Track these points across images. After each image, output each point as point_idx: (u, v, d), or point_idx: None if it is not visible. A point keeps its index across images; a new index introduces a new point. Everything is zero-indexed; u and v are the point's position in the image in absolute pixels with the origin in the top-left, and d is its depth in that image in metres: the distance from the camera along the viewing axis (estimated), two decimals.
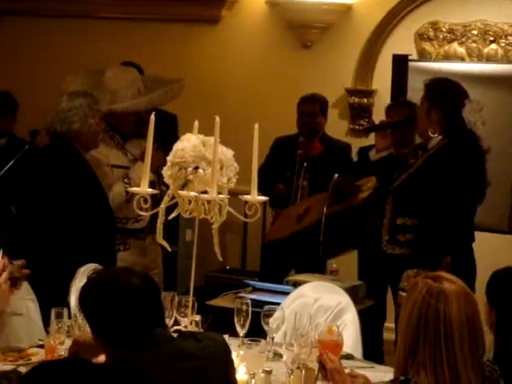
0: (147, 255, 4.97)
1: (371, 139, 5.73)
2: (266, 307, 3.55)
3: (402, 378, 2.41)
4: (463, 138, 4.34)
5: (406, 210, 4.43)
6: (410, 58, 6.05)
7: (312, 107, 5.76)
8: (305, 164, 5.60)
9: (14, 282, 3.40)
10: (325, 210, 4.93)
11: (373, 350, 4.91)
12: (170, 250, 3.52)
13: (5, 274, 3.19)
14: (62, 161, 4.56)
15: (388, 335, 5.35)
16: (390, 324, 5.31)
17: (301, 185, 5.62)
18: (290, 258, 5.48)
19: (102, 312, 2.57)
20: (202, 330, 3.36)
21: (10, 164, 5.51)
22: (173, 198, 3.35)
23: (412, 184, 4.41)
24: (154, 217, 4.70)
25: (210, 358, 2.58)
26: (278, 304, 3.88)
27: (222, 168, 3.30)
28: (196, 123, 3.44)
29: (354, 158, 5.64)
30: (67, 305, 3.65)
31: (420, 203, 4.32)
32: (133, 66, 6.07)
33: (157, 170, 4.07)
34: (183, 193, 3.31)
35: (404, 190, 4.45)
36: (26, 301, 3.90)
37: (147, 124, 4.88)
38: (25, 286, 3.95)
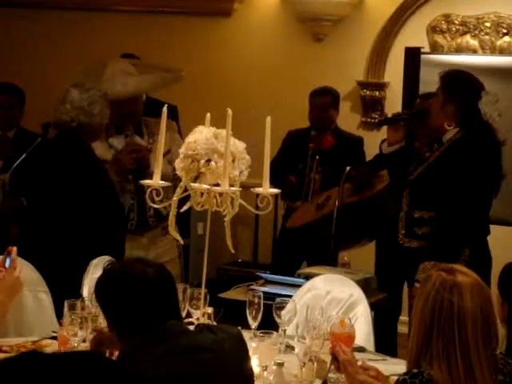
0: (150, 250, 4.92)
1: (383, 132, 5.72)
2: (278, 300, 3.55)
3: (415, 370, 2.41)
4: (479, 130, 4.31)
5: (424, 203, 4.40)
6: (422, 50, 6.04)
7: (324, 100, 5.76)
8: (317, 157, 5.60)
9: None
10: (336, 202, 4.93)
11: (386, 343, 4.92)
12: (182, 242, 3.53)
13: (18, 269, 3.20)
14: (72, 152, 4.57)
15: (402, 328, 5.35)
16: (404, 317, 5.31)
17: (313, 178, 5.61)
18: (302, 250, 5.49)
19: (116, 302, 2.59)
20: (214, 323, 3.37)
21: (22, 157, 5.53)
22: (185, 190, 3.35)
23: (429, 177, 4.39)
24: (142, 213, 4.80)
25: (225, 351, 2.58)
26: (290, 296, 3.88)
27: (234, 160, 3.30)
28: (208, 116, 3.44)
29: (368, 150, 5.64)
30: (80, 297, 3.66)
31: (437, 196, 4.31)
32: (133, 57, 6.10)
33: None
34: (195, 185, 3.31)
35: (421, 184, 4.43)
36: (38, 293, 3.91)
37: (131, 117, 4.94)
38: (37, 278, 3.97)
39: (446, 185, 4.27)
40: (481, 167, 4.25)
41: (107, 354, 2.93)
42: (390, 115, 5.39)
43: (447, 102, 4.34)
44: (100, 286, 2.67)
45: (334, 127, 5.81)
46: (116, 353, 2.85)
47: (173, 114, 5.69)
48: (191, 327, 2.75)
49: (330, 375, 3.10)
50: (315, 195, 5.54)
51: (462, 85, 4.38)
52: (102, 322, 3.32)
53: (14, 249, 3.22)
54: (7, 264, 3.22)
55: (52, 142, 4.81)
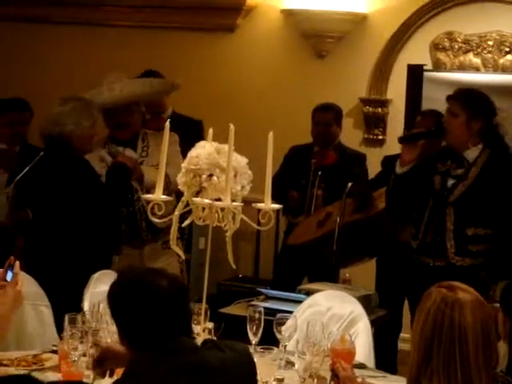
0: (149, 264, 4.90)
1: (385, 150, 5.74)
2: (279, 315, 3.55)
3: None
4: (502, 145, 4.46)
5: (476, 221, 4.45)
6: (424, 68, 6.05)
7: (326, 116, 5.78)
8: (319, 173, 5.61)
9: None
10: (338, 219, 4.93)
11: (387, 360, 4.90)
12: (183, 257, 3.53)
13: (20, 282, 3.20)
14: (58, 162, 4.59)
15: (402, 345, 5.34)
16: (405, 334, 5.30)
17: (315, 194, 5.62)
18: (303, 266, 5.49)
19: (128, 312, 2.55)
20: (215, 338, 3.36)
21: (25, 170, 5.54)
22: (187, 205, 3.36)
23: (476, 195, 4.45)
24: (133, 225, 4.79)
25: (233, 371, 2.54)
26: (291, 312, 3.88)
27: (235, 175, 3.31)
28: (210, 131, 3.45)
29: (370, 166, 5.64)
30: (80, 310, 3.66)
31: (491, 213, 4.41)
32: (153, 74, 6.12)
33: None
34: (197, 200, 3.32)
35: (467, 202, 4.47)
36: (39, 306, 3.92)
37: (125, 128, 4.94)
38: (38, 292, 3.97)
39: (499, 202, 4.40)
40: None
41: (108, 372, 2.92)
42: (409, 133, 5.31)
43: (472, 120, 4.42)
44: (112, 294, 2.63)
45: (337, 143, 5.82)
46: (118, 370, 2.84)
47: (197, 129, 5.72)
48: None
49: None
50: (316, 211, 5.54)
51: (482, 102, 4.51)
52: (103, 336, 3.32)
53: (17, 263, 3.22)
54: (9, 277, 3.21)
55: (43, 154, 4.80)
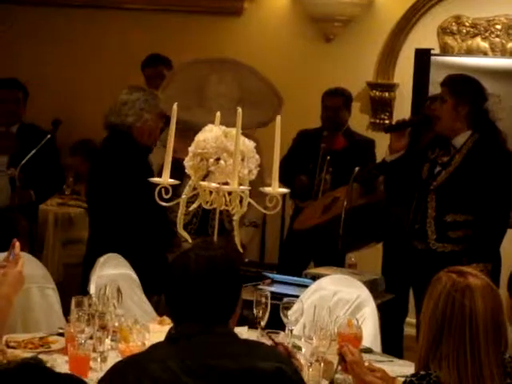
0: None
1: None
2: (285, 299, 3.54)
3: (422, 372, 2.40)
4: (492, 131, 4.44)
5: (456, 207, 4.46)
6: (432, 52, 6.02)
7: (336, 101, 5.77)
8: (328, 157, 5.60)
9: None
10: (345, 203, 4.92)
11: (393, 345, 4.91)
12: (190, 241, 3.52)
13: (21, 263, 3.20)
14: (118, 151, 4.59)
15: (408, 330, 5.34)
16: (411, 319, 5.30)
17: (323, 178, 5.61)
18: (309, 250, 5.49)
19: (172, 283, 2.51)
20: None
21: (31, 153, 5.54)
22: (194, 188, 3.35)
23: (457, 182, 4.45)
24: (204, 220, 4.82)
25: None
26: (297, 297, 3.88)
27: (243, 159, 3.29)
28: (218, 114, 3.44)
29: (377, 151, 5.62)
30: (87, 293, 3.66)
31: (472, 199, 4.40)
32: (160, 57, 6.12)
33: None
34: (204, 184, 3.31)
35: (450, 188, 4.47)
36: (45, 289, 3.92)
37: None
38: (44, 274, 3.98)
39: (479, 188, 4.38)
40: (507, 168, 4.42)
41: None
42: (394, 122, 5.37)
43: (459, 105, 4.40)
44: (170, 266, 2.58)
45: (346, 128, 5.81)
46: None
47: None
48: None
49: (337, 376, 3.09)
50: (322, 196, 5.54)
51: (470, 87, 4.49)
52: (109, 320, 3.33)
53: (17, 243, 3.22)
54: (11, 258, 3.21)
55: (102, 142, 4.87)
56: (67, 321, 3.38)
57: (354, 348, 3.02)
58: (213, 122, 3.38)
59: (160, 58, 6.14)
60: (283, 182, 3.47)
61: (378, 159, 5.64)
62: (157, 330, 3.53)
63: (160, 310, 3.98)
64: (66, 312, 3.48)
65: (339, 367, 3.00)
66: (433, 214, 4.52)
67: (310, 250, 5.49)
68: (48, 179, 5.71)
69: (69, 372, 2.88)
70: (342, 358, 2.96)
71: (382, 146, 5.69)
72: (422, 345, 2.44)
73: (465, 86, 4.49)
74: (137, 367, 2.37)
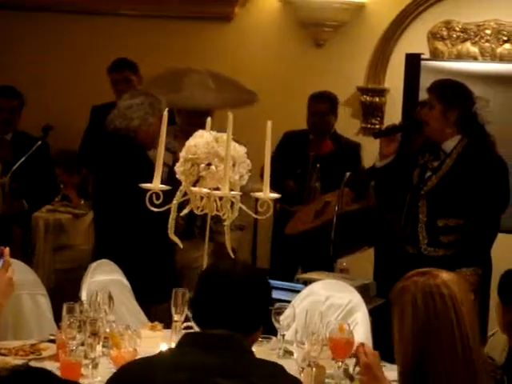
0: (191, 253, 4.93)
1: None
2: (277, 305, 3.54)
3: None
4: (481, 134, 4.45)
5: (447, 212, 4.46)
6: (422, 57, 6.04)
7: (322, 106, 5.77)
8: (318, 165, 5.61)
9: None
10: (336, 208, 4.92)
11: (385, 349, 4.90)
12: (181, 246, 3.52)
13: (11, 269, 3.18)
14: (123, 155, 4.59)
15: None
16: None
17: (313, 186, 5.62)
18: (300, 256, 5.48)
19: (197, 289, 2.54)
20: None
21: (21, 160, 5.53)
22: (185, 194, 3.35)
23: (448, 187, 4.46)
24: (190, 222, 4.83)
25: None
26: (289, 302, 3.88)
27: (234, 165, 3.30)
28: (209, 120, 3.45)
29: (368, 156, 5.63)
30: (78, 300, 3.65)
31: (463, 204, 4.41)
32: (127, 62, 6.13)
33: None
34: (195, 189, 3.31)
35: (440, 193, 4.48)
36: (36, 295, 3.91)
37: (197, 127, 5.02)
38: (35, 280, 3.97)
39: (469, 192, 4.38)
40: (497, 171, 4.43)
41: None
42: (384, 127, 5.38)
43: (448, 110, 4.41)
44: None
45: (333, 132, 5.82)
46: None
47: None
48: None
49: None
50: (313, 201, 5.54)
51: (458, 92, 4.50)
52: (101, 326, 3.32)
53: (7, 249, 3.20)
54: (0, 264, 3.20)
55: (104, 147, 4.92)
56: (59, 327, 3.37)
57: (372, 350, 2.98)
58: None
59: (126, 63, 6.13)
60: (271, 186, 3.46)
61: (366, 162, 5.65)
62: (148, 336, 3.53)
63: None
64: (58, 318, 3.47)
65: (356, 368, 2.97)
66: (424, 218, 4.52)
67: (300, 255, 5.49)
68: (41, 187, 5.69)
69: None
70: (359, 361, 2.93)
71: (373, 151, 5.71)
72: (405, 358, 2.35)
73: (453, 91, 4.50)
74: (145, 375, 2.35)
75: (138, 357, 2.98)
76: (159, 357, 2.46)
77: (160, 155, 3.36)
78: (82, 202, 6.54)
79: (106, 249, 4.65)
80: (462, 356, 2.29)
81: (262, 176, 3.41)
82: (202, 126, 4.80)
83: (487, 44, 6.23)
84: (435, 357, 2.31)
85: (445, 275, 2.39)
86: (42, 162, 5.70)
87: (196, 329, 2.57)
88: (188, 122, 5.10)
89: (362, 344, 3.01)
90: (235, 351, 2.41)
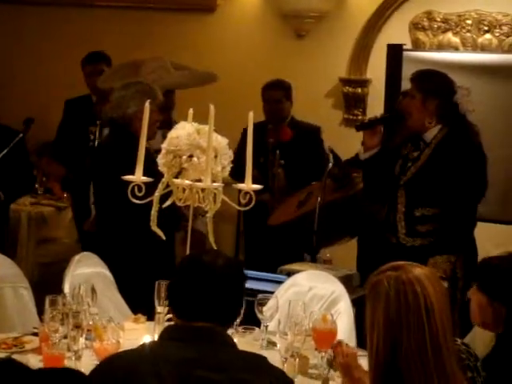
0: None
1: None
2: (260, 296, 3.55)
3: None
4: (462, 123, 4.45)
5: (424, 201, 4.47)
6: (404, 47, 6.05)
7: (276, 93, 5.80)
8: (277, 152, 5.63)
9: None
10: (319, 199, 4.93)
11: None
12: (164, 238, 3.51)
13: None
14: (120, 145, 4.58)
15: None
16: None
17: (276, 173, 5.64)
18: (282, 246, 5.48)
19: (173, 278, 2.54)
20: None
21: (3, 153, 5.50)
22: (167, 186, 3.34)
23: (425, 176, 4.46)
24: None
25: None
26: (272, 293, 3.88)
27: (216, 156, 3.30)
28: (190, 111, 3.44)
29: (351, 147, 5.64)
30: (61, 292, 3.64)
31: (439, 193, 4.41)
32: (101, 55, 6.14)
33: None
34: (177, 181, 3.31)
35: (418, 183, 4.49)
36: (19, 288, 3.90)
37: (166, 111, 5.09)
38: (17, 273, 3.96)
39: (446, 181, 4.38)
40: (475, 159, 4.41)
41: None
42: (365, 120, 5.38)
43: (427, 100, 4.42)
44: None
45: (291, 119, 5.84)
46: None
47: None
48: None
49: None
50: (297, 191, 5.54)
51: (438, 82, 4.51)
52: (84, 318, 3.31)
53: None
54: None
55: (104, 139, 4.99)
56: (41, 320, 3.36)
57: (351, 350, 2.99)
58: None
59: (101, 56, 6.12)
60: (237, 178, 3.46)
61: (349, 153, 5.64)
62: (131, 328, 3.53)
63: None
64: (41, 312, 3.46)
65: (333, 364, 2.99)
66: (402, 209, 4.54)
67: (283, 246, 5.49)
68: (17, 179, 5.67)
69: None
70: (334, 356, 2.95)
71: (356, 142, 5.72)
72: (377, 351, 2.36)
73: (432, 80, 4.51)
74: (127, 370, 2.35)
75: (122, 349, 2.98)
76: (141, 350, 2.46)
77: (142, 147, 3.35)
78: (65, 194, 6.52)
79: (107, 239, 4.68)
80: (431, 354, 2.31)
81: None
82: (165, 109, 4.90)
83: (468, 34, 6.24)
84: (407, 352, 2.32)
85: (418, 271, 2.40)
86: (20, 153, 5.68)
87: None
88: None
89: (340, 343, 3.01)
90: (217, 344, 2.42)
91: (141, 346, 2.51)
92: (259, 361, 2.47)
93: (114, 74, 5.63)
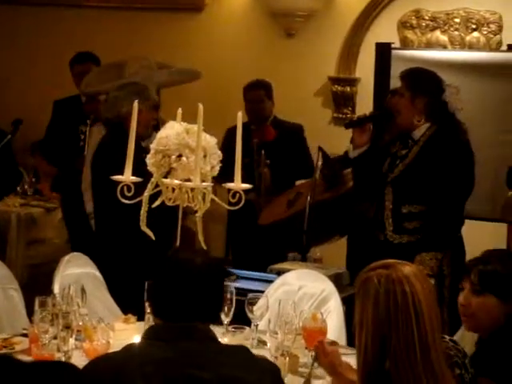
0: None
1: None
2: (251, 295, 3.55)
3: None
4: (450, 121, 4.46)
5: (411, 198, 4.48)
6: (392, 46, 6.06)
7: (257, 94, 5.81)
8: (263, 151, 5.63)
9: None
10: (309, 198, 4.93)
11: None
12: (153, 238, 3.51)
13: None
14: (116, 144, 4.57)
15: None
16: None
17: (262, 172, 5.65)
18: (272, 246, 5.48)
19: (154, 278, 2.54)
20: None
21: None
22: (156, 186, 3.34)
23: (412, 174, 4.47)
24: None
25: None
26: (262, 292, 3.89)
27: (205, 156, 3.29)
28: (179, 111, 3.43)
29: (340, 146, 5.65)
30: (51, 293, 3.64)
31: (426, 190, 4.41)
32: (90, 55, 6.14)
33: None
34: (167, 181, 3.30)
35: (405, 180, 4.50)
36: (9, 290, 3.89)
37: None
38: (7, 275, 3.95)
39: (433, 179, 4.39)
40: (462, 157, 4.42)
41: None
42: (354, 118, 5.40)
43: (416, 98, 4.43)
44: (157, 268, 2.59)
45: (273, 118, 5.85)
46: None
47: None
48: None
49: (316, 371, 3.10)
50: (285, 191, 5.54)
51: (427, 80, 4.52)
52: (73, 319, 3.31)
53: None
54: None
55: (102, 138, 5.02)
56: (31, 322, 3.35)
57: (332, 348, 3.00)
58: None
59: (89, 56, 6.13)
60: (224, 180, 3.46)
61: (339, 152, 5.65)
62: (122, 328, 3.53)
63: None
64: (31, 313, 3.46)
65: (315, 364, 3.00)
66: (390, 206, 4.55)
67: (273, 246, 5.49)
68: (2, 179, 5.68)
69: None
70: (316, 356, 2.96)
71: (345, 140, 5.72)
72: (366, 348, 2.36)
73: (421, 79, 4.52)
74: (114, 372, 2.35)
75: (112, 349, 2.98)
76: (125, 352, 2.45)
77: (131, 146, 3.35)
78: (54, 195, 6.51)
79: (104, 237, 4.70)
80: (420, 353, 2.32)
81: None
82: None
83: (456, 32, 6.26)
84: (395, 350, 2.32)
85: (408, 269, 2.40)
86: (6, 155, 5.68)
87: None
88: None
89: (321, 342, 3.02)
90: (201, 341, 2.42)
91: (123, 348, 2.50)
92: (245, 354, 2.48)
93: (98, 76, 5.65)
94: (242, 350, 2.50)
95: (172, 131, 3.31)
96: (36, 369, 1.97)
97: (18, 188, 6.49)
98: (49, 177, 6.58)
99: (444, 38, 6.29)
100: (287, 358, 3.16)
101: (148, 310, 3.44)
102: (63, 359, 3.10)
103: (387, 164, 4.62)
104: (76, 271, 4.02)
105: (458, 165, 4.39)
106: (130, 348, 2.47)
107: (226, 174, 3.48)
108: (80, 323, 3.32)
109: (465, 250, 4.54)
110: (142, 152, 4.52)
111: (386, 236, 4.54)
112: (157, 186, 3.35)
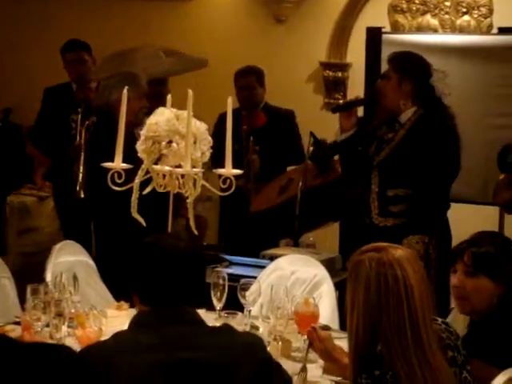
0: None
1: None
2: (243, 281, 3.55)
3: (377, 372, 2.35)
4: (437, 106, 4.46)
5: (397, 182, 4.48)
6: (383, 30, 6.05)
7: (248, 80, 5.78)
8: (251, 138, 5.62)
9: None
10: (300, 184, 4.94)
11: None
12: (145, 225, 3.50)
13: None
14: (105, 132, 4.57)
15: None
16: None
17: (251, 159, 5.64)
18: (265, 232, 5.48)
19: (138, 265, 2.54)
20: None
21: None
22: (147, 172, 3.34)
23: (398, 157, 4.48)
24: None
25: (231, 363, 2.40)
26: (255, 277, 3.89)
27: (195, 142, 3.29)
28: (169, 97, 3.43)
29: (332, 131, 5.65)
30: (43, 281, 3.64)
31: (411, 174, 4.41)
32: (81, 42, 6.12)
33: None
34: (157, 167, 3.30)
35: (391, 164, 4.50)
36: (1, 279, 3.89)
37: (159, 99, 5.10)
38: (0, 264, 3.95)
39: (418, 162, 4.38)
40: (448, 141, 4.41)
41: None
42: (341, 102, 5.40)
43: (403, 81, 4.43)
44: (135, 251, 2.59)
45: (265, 104, 5.83)
46: None
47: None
48: None
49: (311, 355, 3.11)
50: (277, 177, 5.54)
51: (414, 63, 4.53)
52: (66, 307, 3.31)
53: None
54: None
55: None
56: (23, 309, 3.35)
57: (325, 334, 3.00)
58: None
59: (80, 43, 6.11)
60: (213, 164, 3.47)
61: (330, 137, 5.66)
62: (114, 315, 3.53)
63: None
64: (23, 301, 3.46)
65: (310, 350, 3.01)
66: (376, 189, 4.56)
67: (263, 231, 5.50)
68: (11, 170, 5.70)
69: None
70: (311, 343, 2.97)
71: (335, 125, 5.72)
72: (357, 331, 2.36)
73: (408, 62, 4.52)
74: (106, 360, 2.34)
75: (104, 336, 2.98)
76: (114, 340, 2.45)
77: (120, 133, 3.34)
78: (47, 183, 6.50)
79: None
80: (411, 337, 2.32)
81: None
82: (159, 96, 4.90)
83: (447, 16, 6.25)
84: (386, 333, 2.33)
85: (399, 253, 2.40)
86: (16, 145, 5.71)
87: None
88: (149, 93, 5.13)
89: (314, 328, 3.02)
90: (192, 324, 2.43)
91: (114, 335, 2.49)
92: (230, 332, 2.52)
93: (108, 63, 5.61)
94: (226, 329, 2.54)
95: (162, 117, 3.30)
96: (34, 349, 1.97)
97: None
98: (43, 166, 6.56)
99: (435, 22, 6.29)
100: (280, 343, 3.17)
101: None
102: None
103: (374, 147, 4.62)
104: (68, 259, 4.02)
105: (443, 149, 4.38)
106: (118, 336, 2.47)
107: (217, 159, 3.48)
108: (72, 310, 3.33)
109: (451, 233, 4.55)
110: (133, 139, 4.54)
111: (372, 219, 4.55)
112: (147, 172, 3.35)
